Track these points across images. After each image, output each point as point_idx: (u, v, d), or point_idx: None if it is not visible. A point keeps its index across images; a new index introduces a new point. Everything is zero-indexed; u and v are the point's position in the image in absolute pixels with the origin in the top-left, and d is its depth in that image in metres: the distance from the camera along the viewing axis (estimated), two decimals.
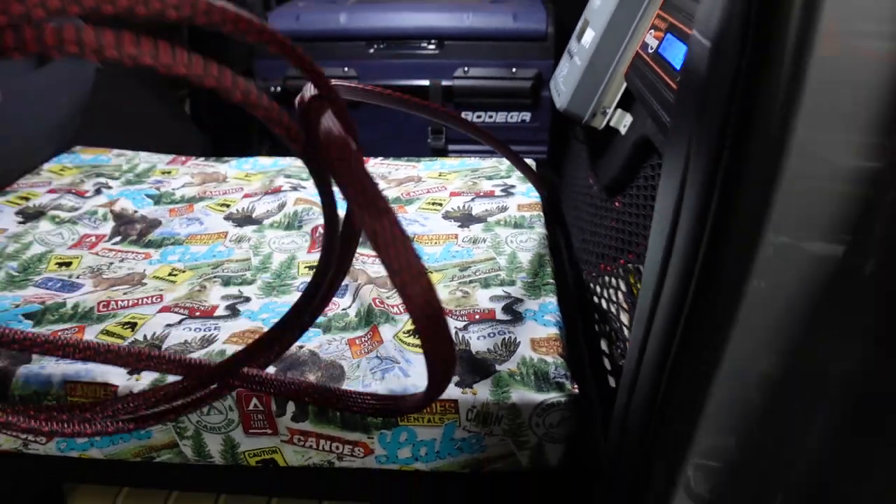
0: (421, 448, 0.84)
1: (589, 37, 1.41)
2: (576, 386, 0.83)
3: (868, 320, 0.47)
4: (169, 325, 0.95)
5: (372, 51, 2.21)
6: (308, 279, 0.96)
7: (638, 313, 0.57)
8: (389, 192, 1.38)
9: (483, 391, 0.81)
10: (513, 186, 1.40)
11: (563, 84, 1.57)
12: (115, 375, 0.85)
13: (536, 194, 1.36)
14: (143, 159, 1.56)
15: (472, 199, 1.34)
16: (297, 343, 0.84)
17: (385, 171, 1.50)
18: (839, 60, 0.39)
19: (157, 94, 2.21)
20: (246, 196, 1.36)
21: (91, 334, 0.93)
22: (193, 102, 2.48)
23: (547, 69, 2.10)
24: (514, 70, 2.17)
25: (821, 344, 0.48)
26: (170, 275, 1.09)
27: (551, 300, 1.00)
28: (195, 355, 0.88)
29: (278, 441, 0.85)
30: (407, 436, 0.83)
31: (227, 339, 0.92)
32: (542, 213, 1.28)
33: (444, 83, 2.17)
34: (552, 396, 0.80)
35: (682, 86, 0.52)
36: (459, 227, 1.23)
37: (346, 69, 2.20)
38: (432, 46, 2.21)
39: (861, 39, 0.39)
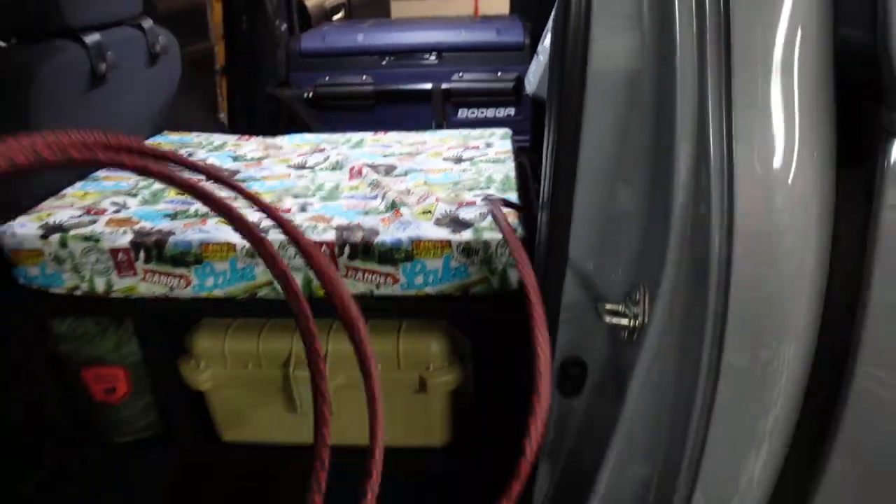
0: (429, 276, 1.32)
1: (548, 40, 1.93)
2: (524, 231, 1.32)
3: None
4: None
5: (384, 62, 2.74)
6: (350, 197, 1.46)
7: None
8: (404, 150, 1.88)
9: (467, 234, 1.30)
10: (491, 144, 1.90)
11: (532, 76, 2.10)
12: (235, 238, 1.34)
13: (510, 146, 1.86)
14: (217, 138, 2.07)
15: (464, 150, 1.84)
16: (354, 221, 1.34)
17: (400, 139, 2.01)
18: None
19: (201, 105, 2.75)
20: (300, 155, 1.87)
21: (210, 224, 1.42)
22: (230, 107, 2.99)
23: (525, 73, 2.61)
24: (498, 74, 2.69)
25: None
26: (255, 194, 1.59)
27: (513, 194, 1.49)
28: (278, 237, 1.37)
29: (340, 276, 1.34)
30: (420, 267, 1.31)
31: (303, 219, 1.41)
32: (511, 155, 1.78)
33: (444, 86, 2.70)
34: None
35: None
36: (454, 163, 1.73)
37: (364, 77, 2.72)
38: (433, 57, 2.74)
39: None
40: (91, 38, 1.64)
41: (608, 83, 1.01)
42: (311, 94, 2.72)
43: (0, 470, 1.72)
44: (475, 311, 1.38)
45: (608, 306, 1.04)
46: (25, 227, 1.43)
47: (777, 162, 0.88)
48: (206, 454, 1.64)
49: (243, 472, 1.73)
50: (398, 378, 1.42)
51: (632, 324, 1.02)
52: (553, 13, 1.20)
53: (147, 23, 1.90)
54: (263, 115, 2.87)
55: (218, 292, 1.38)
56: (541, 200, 1.10)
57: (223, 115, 3.03)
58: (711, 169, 0.91)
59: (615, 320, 1.02)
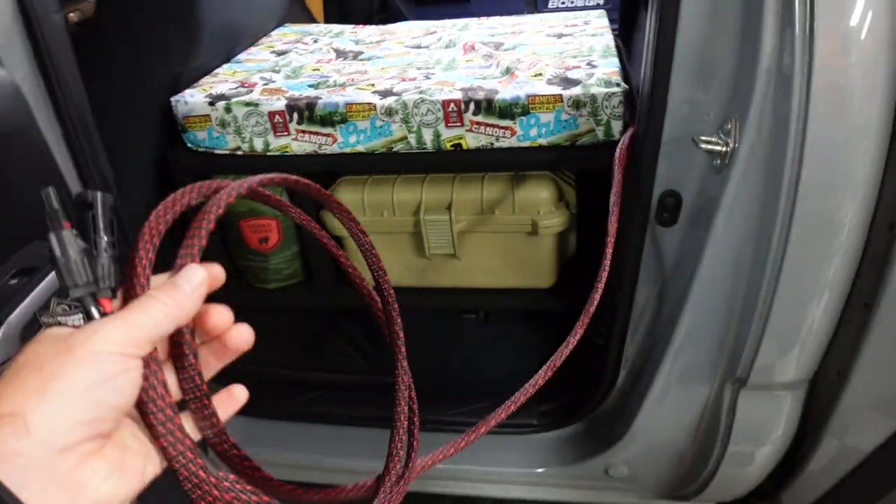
0: (542, 128, 1.53)
1: None
2: (626, 86, 1.50)
3: None
4: (391, 80, 1.66)
5: None
6: (467, 67, 1.66)
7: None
8: (507, 30, 2.06)
9: (576, 90, 1.50)
10: (589, 22, 2.06)
11: None
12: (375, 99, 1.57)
13: (606, 22, 2.02)
14: (335, 26, 2.29)
15: (564, 27, 2.01)
16: (475, 84, 1.54)
17: (502, 22, 2.18)
18: None
19: None
20: (413, 38, 2.07)
21: (349, 90, 1.65)
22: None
23: None
24: None
25: None
26: (381, 69, 1.81)
27: (615, 59, 1.67)
28: (411, 97, 1.58)
29: (464, 131, 1.55)
30: (535, 120, 1.52)
31: (430, 84, 1.62)
32: (609, 30, 1.94)
33: None
34: (613, 90, 1.48)
35: None
36: (556, 38, 1.91)
37: None
38: None
39: None
40: None
41: None
42: None
43: None
44: (582, 160, 1.58)
45: (703, 137, 1.23)
46: (194, 96, 1.69)
47: (854, 20, 1.04)
48: (343, 298, 1.91)
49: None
50: (513, 221, 1.64)
51: (723, 149, 1.20)
52: None
53: None
54: (358, 7, 3.08)
55: (360, 147, 1.61)
56: (645, 47, 1.28)
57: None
58: (796, 18, 1.08)
59: (709, 146, 1.21)
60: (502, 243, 1.68)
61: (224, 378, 1.80)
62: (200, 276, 0.51)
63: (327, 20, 3.14)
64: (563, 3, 2.86)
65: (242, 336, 0.58)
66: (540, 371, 1.25)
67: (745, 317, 1.33)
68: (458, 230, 1.65)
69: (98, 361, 0.43)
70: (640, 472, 1.71)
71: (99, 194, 0.52)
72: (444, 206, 1.64)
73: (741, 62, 1.20)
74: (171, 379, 0.53)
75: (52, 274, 1.13)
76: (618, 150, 1.38)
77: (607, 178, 1.59)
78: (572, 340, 1.28)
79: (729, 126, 1.20)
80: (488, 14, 2.55)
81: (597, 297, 1.32)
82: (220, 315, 0.56)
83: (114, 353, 0.43)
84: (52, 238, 0.48)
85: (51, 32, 1.29)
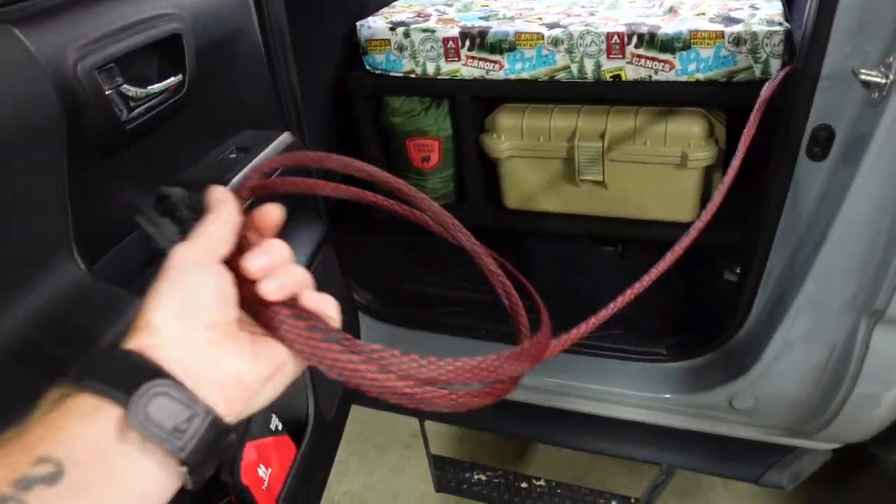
0: (701, 63, 1.61)
1: None
2: (788, 25, 1.55)
3: None
4: (558, 14, 1.78)
5: None
6: (631, 6, 1.75)
7: None
8: None
9: (738, 27, 1.57)
10: None
11: None
12: (543, 29, 1.69)
13: None
14: None
15: None
16: (638, 20, 1.63)
17: None
18: None
19: None
20: None
21: (518, 22, 1.78)
22: None
23: None
24: None
25: None
26: (547, 6, 1.93)
27: (778, 2, 1.72)
28: (576, 28, 1.69)
29: (624, 63, 1.65)
30: (694, 55, 1.60)
31: (594, 20, 1.73)
32: None
33: None
34: (775, 28, 1.54)
35: None
36: None
37: None
38: None
39: None
40: None
41: None
42: None
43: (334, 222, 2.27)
44: (738, 96, 1.66)
45: (863, 70, 1.29)
46: (377, 22, 1.86)
47: None
48: (491, 217, 2.06)
49: (519, 236, 2.15)
50: (664, 152, 1.73)
51: (883, 81, 1.25)
52: None
53: None
54: None
55: (524, 74, 1.75)
56: None
57: None
58: None
59: (869, 78, 1.27)
60: (650, 174, 1.78)
61: (375, 291, 1.96)
62: (219, 191, 0.57)
63: None
64: None
65: (269, 212, 0.59)
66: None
67: (888, 251, 1.38)
68: (609, 158, 1.76)
69: (188, 269, 0.50)
70: (764, 406, 1.78)
71: (176, 190, 0.61)
72: (597, 135, 1.76)
73: None
74: None
75: (267, 149, 1.34)
76: (768, 83, 1.45)
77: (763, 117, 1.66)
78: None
79: (890, 59, 1.25)
80: None
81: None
82: (268, 211, 0.59)
83: (199, 261, 0.51)
84: (142, 219, 0.58)
85: None
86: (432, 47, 1.78)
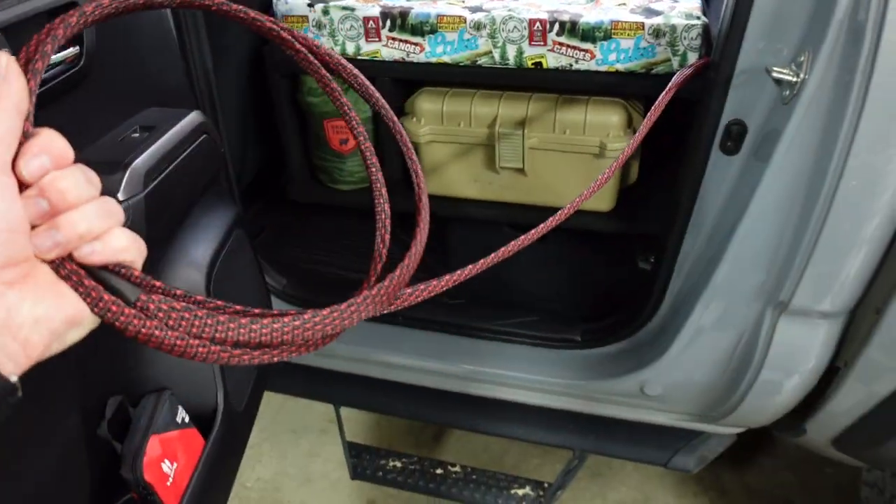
0: (621, 54, 1.61)
1: None
2: (706, 19, 1.57)
3: None
4: None
5: None
6: None
7: None
8: None
9: (658, 19, 1.57)
10: None
11: None
12: (466, 13, 1.66)
13: None
14: None
15: None
16: (560, 7, 1.62)
17: None
18: None
19: None
20: None
21: (440, 4, 1.74)
22: None
23: None
24: None
25: None
26: None
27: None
28: (499, 13, 1.67)
29: (545, 50, 1.64)
30: (615, 45, 1.60)
31: (518, 5, 1.71)
32: None
33: None
34: (693, 22, 1.56)
35: None
36: None
37: None
38: None
39: None
40: None
41: None
42: None
43: (250, 203, 2.20)
44: (655, 88, 1.67)
45: (775, 67, 1.31)
46: None
47: None
48: (411, 202, 2.03)
49: (437, 221, 2.13)
50: (582, 142, 1.74)
51: (794, 80, 1.28)
52: None
53: None
54: None
55: (445, 58, 1.72)
56: None
57: None
58: None
59: (781, 76, 1.29)
60: (569, 163, 1.79)
61: (290, 275, 1.93)
62: (4, 59, 0.47)
63: None
64: None
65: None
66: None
67: (793, 245, 1.42)
68: (529, 146, 1.76)
69: None
70: (674, 393, 1.83)
71: None
72: (518, 122, 1.74)
73: (818, 5, 1.27)
74: None
75: (173, 130, 1.27)
76: (681, 71, 1.47)
77: (675, 109, 1.68)
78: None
79: (802, 59, 1.28)
80: None
81: None
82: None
83: None
84: None
85: None
86: (352, 26, 1.73)
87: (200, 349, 0.51)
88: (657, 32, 1.57)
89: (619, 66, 1.63)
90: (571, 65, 1.65)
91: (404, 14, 1.69)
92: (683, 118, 1.69)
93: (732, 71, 1.38)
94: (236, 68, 1.93)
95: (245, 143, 2.07)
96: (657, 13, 1.61)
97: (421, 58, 1.73)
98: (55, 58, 1.05)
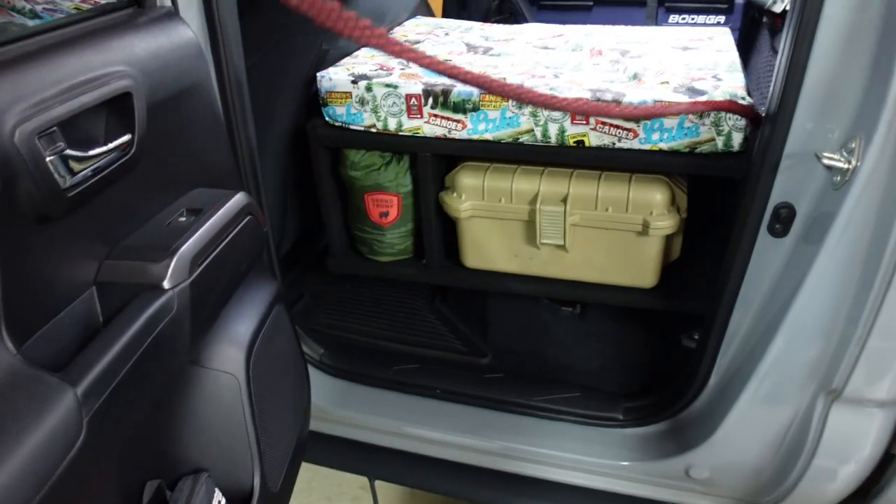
0: (665, 133, 1.60)
1: None
2: (750, 99, 1.56)
3: None
4: (521, 75, 1.76)
5: None
6: (594, 70, 1.74)
7: None
8: (633, 39, 2.14)
9: (702, 99, 1.56)
10: (713, 37, 2.12)
11: None
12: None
13: (731, 39, 2.07)
14: (464, 23, 2.41)
15: (689, 41, 2.07)
16: (602, 86, 1.62)
17: (627, 30, 2.26)
18: None
19: None
20: (540, 38, 2.17)
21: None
22: None
23: None
24: None
25: None
26: (511, 65, 1.91)
27: (740, 74, 1.72)
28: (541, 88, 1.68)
29: (588, 129, 1.64)
30: (659, 125, 1.59)
31: (559, 83, 1.71)
32: (733, 46, 2.00)
33: None
34: (739, 103, 1.55)
35: None
36: (681, 51, 1.98)
37: None
38: None
39: None
40: None
41: None
42: None
43: (288, 271, 2.21)
44: (700, 167, 1.65)
45: (826, 153, 1.29)
46: (338, 74, 1.82)
47: None
48: (449, 276, 2.02)
49: (476, 294, 2.12)
50: (626, 219, 1.72)
51: (845, 167, 1.26)
52: None
53: None
54: (477, 7, 3.21)
55: (487, 135, 1.72)
56: (777, 65, 1.34)
57: None
58: None
59: (832, 162, 1.27)
60: (611, 240, 1.76)
61: (328, 345, 1.93)
62: None
63: (446, 16, 3.27)
64: (682, 18, 2.91)
65: None
66: None
67: (846, 332, 1.38)
68: (571, 223, 1.74)
69: None
70: (721, 477, 1.76)
71: None
72: (559, 199, 1.73)
73: (871, 86, 1.25)
74: None
75: (219, 213, 1.28)
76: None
77: (720, 188, 1.66)
78: None
79: (853, 145, 1.25)
80: (609, 24, 2.62)
81: None
82: None
83: None
84: None
85: (224, 2, 1.44)
86: (394, 103, 1.75)
87: None
88: (701, 113, 1.56)
89: (663, 146, 1.62)
90: (614, 143, 1.64)
91: (447, 92, 1.70)
92: (727, 196, 1.67)
93: (781, 154, 1.36)
94: (279, 140, 1.95)
95: (285, 212, 2.08)
96: (701, 93, 1.60)
97: (463, 134, 1.73)
98: (106, 148, 1.06)
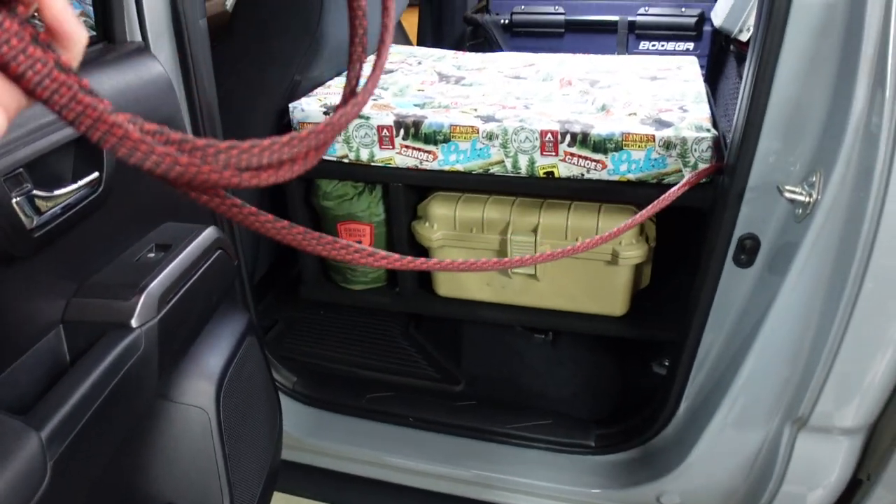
0: (632, 164, 1.63)
1: None
2: (716, 132, 1.59)
3: None
4: (492, 106, 1.79)
5: None
6: (564, 101, 1.77)
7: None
8: (602, 68, 2.17)
9: (668, 131, 1.59)
10: (682, 67, 2.16)
11: (720, 10, 2.31)
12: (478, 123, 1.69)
13: (698, 69, 2.11)
14: (437, 51, 2.43)
15: (657, 71, 2.11)
16: (572, 117, 1.64)
17: (596, 59, 2.29)
18: None
19: None
20: (512, 68, 2.20)
21: (453, 113, 1.77)
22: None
23: (709, 9, 2.79)
24: (682, 9, 2.89)
25: None
26: (482, 95, 1.93)
27: (706, 105, 1.76)
28: (511, 124, 1.70)
29: (557, 160, 1.66)
30: (626, 156, 1.62)
31: (529, 114, 1.74)
32: (700, 77, 2.03)
33: (629, 18, 2.93)
34: (703, 135, 1.57)
35: None
36: (650, 81, 2.01)
37: (556, 7, 3.00)
38: None
39: None
40: None
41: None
42: (507, 20, 3.03)
43: (262, 297, 2.20)
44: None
45: (788, 187, 1.32)
46: (310, 104, 1.84)
47: None
48: (422, 304, 2.03)
49: (450, 321, 2.13)
50: (596, 249, 1.73)
51: (806, 200, 1.28)
52: None
53: None
54: (451, 31, 3.24)
55: (458, 166, 1.74)
56: (740, 96, 1.37)
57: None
58: (887, 89, 1.17)
59: (793, 196, 1.30)
60: (581, 269, 1.78)
61: (300, 372, 1.92)
62: None
63: (420, 42, 3.31)
64: (653, 45, 2.95)
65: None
66: None
67: (811, 360, 1.40)
68: (542, 252, 1.75)
69: None
70: (692, 502, 1.78)
71: None
72: (530, 229, 1.75)
73: (831, 119, 1.29)
74: None
75: (188, 249, 1.28)
76: (693, 174, 1.49)
77: (687, 219, 1.69)
78: None
79: (814, 179, 1.28)
80: (580, 51, 2.66)
81: None
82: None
83: None
84: None
85: (196, 36, 1.45)
86: (366, 134, 1.76)
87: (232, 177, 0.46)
88: (668, 145, 1.59)
89: (631, 177, 1.64)
90: (583, 174, 1.67)
91: (418, 123, 1.72)
92: (695, 227, 1.69)
93: (745, 185, 1.39)
94: None
95: (258, 240, 2.08)
96: (667, 124, 1.63)
97: (434, 166, 1.75)
98: (74, 186, 1.06)
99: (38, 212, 1.00)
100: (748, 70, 1.34)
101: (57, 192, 1.04)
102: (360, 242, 1.93)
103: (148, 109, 1.29)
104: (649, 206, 1.45)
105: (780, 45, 1.26)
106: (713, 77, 2.80)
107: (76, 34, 0.40)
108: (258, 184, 0.48)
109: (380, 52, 0.60)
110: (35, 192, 0.99)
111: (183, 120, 1.45)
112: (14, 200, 0.95)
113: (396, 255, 0.81)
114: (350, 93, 0.58)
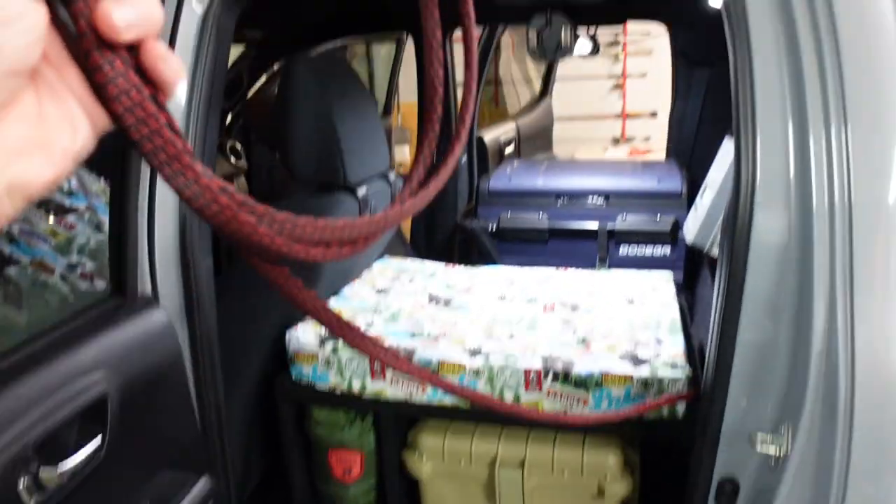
0: (613, 401, 1.69)
1: (708, 198, 2.29)
2: (690, 368, 1.67)
3: None
4: (479, 336, 1.87)
5: (559, 203, 3.19)
6: (547, 329, 1.87)
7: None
8: (583, 288, 2.28)
9: (645, 371, 1.67)
10: (657, 288, 2.27)
11: (691, 226, 2.46)
12: (465, 359, 1.77)
13: (673, 290, 2.22)
14: (428, 265, 2.56)
15: (635, 294, 2.22)
16: (555, 353, 1.74)
17: (577, 277, 2.41)
18: None
19: None
20: (498, 287, 2.31)
21: (442, 344, 1.86)
22: (413, 234, 3.49)
23: (682, 217, 2.95)
24: (658, 217, 3.07)
25: None
26: (470, 322, 2.03)
27: (680, 336, 1.85)
28: (497, 362, 1.78)
29: (542, 396, 1.73)
30: (607, 394, 1.69)
31: (514, 347, 1.82)
32: (675, 298, 2.14)
33: (609, 226, 3.10)
34: (678, 376, 1.65)
35: None
36: (628, 303, 2.11)
37: (540, 215, 3.18)
38: (600, 200, 3.17)
39: None
40: (361, 191, 2.20)
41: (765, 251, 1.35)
42: (495, 227, 3.21)
43: None
44: (648, 433, 1.73)
45: (759, 435, 1.38)
46: (306, 333, 1.92)
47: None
48: None
49: None
50: (580, 484, 1.77)
51: (777, 452, 1.34)
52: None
53: (392, 175, 2.47)
54: (441, 244, 3.42)
55: (447, 401, 1.80)
56: (709, 340, 1.45)
57: None
58: (839, 327, 1.26)
59: (765, 449, 1.35)
60: (570, 502, 1.81)
61: None
62: None
63: (413, 240, 3.46)
64: (632, 249, 3.11)
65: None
66: None
67: None
68: (529, 487, 1.79)
69: None
70: None
71: None
72: (517, 463, 1.79)
73: (793, 367, 1.36)
74: None
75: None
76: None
77: (669, 451, 1.74)
78: None
79: (782, 430, 1.34)
80: (565, 254, 2.80)
81: None
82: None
83: None
84: None
85: (201, 274, 1.54)
86: (359, 364, 1.83)
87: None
88: (645, 384, 1.66)
89: (611, 414, 1.70)
90: (567, 410, 1.73)
91: (409, 356, 1.80)
92: (676, 462, 1.74)
93: (719, 429, 1.45)
94: (246, 389, 2.01)
95: (250, 451, 2.10)
96: (643, 361, 1.72)
97: (423, 399, 1.81)
98: (81, 457, 1.12)
99: (41, 488, 1.05)
100: (714, 314, 1.43)
101: (62, 469, 1.10)
102: (350, 471, 1.97)
103: (152, 363, 1.37)
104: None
105: (741, 291, 1.35)
106: (690, 282, 2.93)
107: (173, 80, 0.42)
108: (305, 257, 0.52)
109: (453, 147, 0.68)
110: (41, 473, 1.05)
111: (184, 363, 1.51)
112: (20, 487, 1.00)
113: None
114: (418, 184, 0.65)
